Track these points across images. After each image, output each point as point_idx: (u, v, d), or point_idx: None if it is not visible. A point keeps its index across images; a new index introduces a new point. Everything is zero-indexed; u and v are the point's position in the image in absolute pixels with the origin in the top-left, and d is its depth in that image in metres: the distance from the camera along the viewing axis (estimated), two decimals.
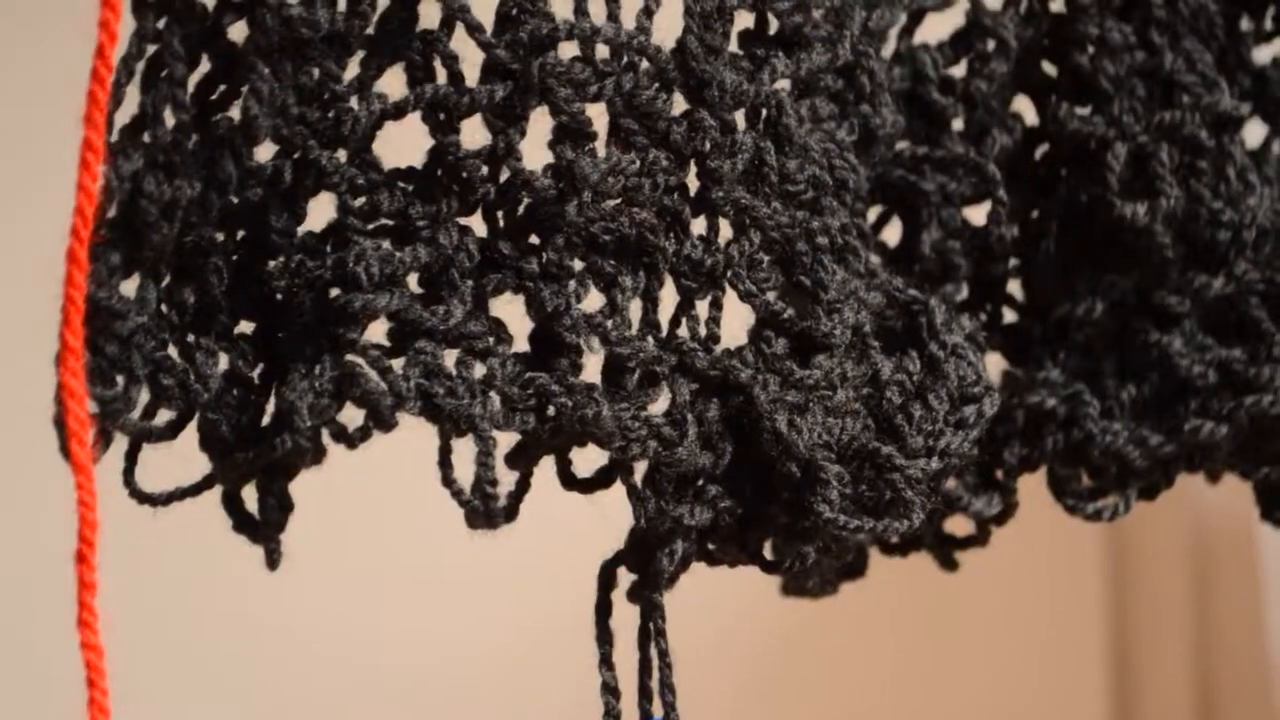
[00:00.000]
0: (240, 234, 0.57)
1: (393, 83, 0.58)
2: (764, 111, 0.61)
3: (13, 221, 1.02)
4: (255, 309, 0.57)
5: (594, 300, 0.59)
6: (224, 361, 0.57)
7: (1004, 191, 0.66)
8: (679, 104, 0.60)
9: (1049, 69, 0.68)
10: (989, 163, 0.66)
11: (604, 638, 0.60)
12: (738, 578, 0.64)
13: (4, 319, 0.95)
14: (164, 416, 0.56)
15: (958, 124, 0.67)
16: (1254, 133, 0.69)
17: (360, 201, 0.57)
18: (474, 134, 0.58)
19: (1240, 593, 1.21)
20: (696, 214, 0.60)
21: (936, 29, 0.67)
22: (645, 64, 0.59)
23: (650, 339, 0.60)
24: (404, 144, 0.59)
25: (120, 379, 0.54)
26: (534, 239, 0.59)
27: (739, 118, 0.61)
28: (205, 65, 0.56)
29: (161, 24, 0.54)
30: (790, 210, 0.61)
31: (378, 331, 0.57)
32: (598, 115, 0.59)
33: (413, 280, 0.58)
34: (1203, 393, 0.67)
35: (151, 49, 0.55)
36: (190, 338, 0.56)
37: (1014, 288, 0.69)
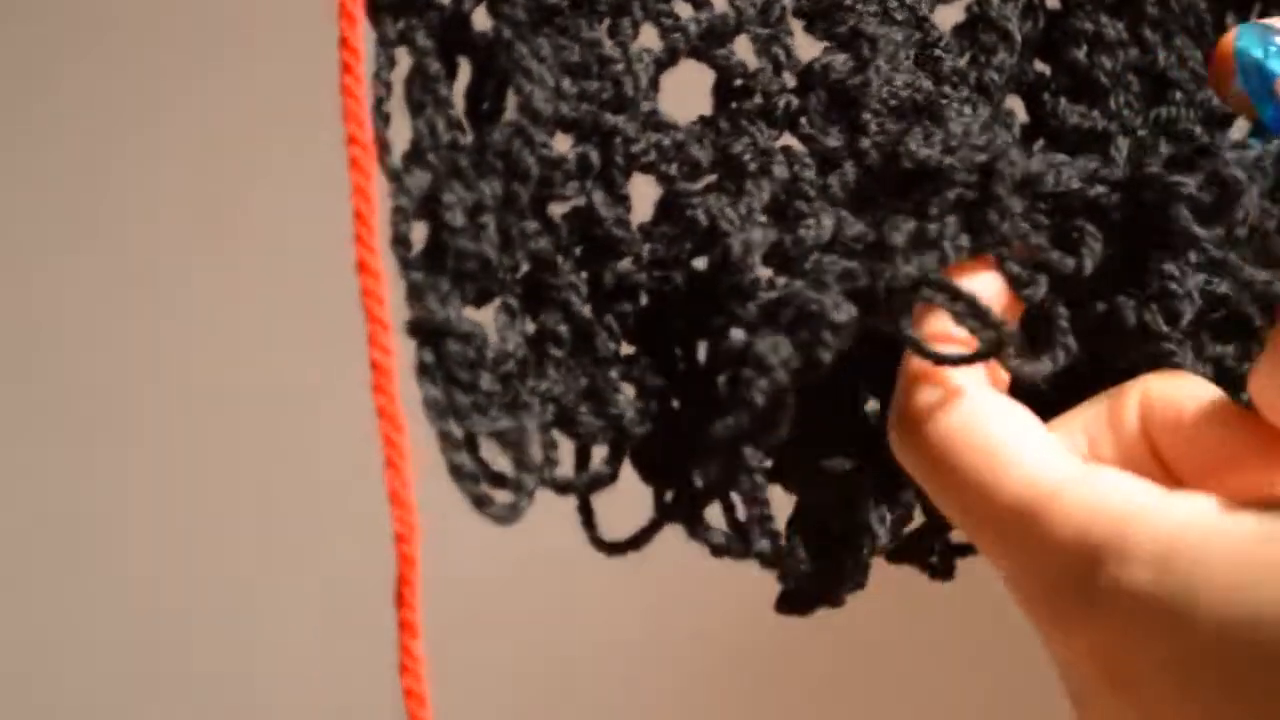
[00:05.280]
0: (577, 247, 0.54)
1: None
2: None
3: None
4: (624, 317, 0.55)
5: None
6: (623, 383, 0.54)
7: None
8: None
9: (1041, 66, 0.68)
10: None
11: None
12: (738, 582, 0.63)
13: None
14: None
15: None
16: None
17: (677, 165, 0.55)
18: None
19: None
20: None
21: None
22: None
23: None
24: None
25: (507, 414, 0.51)
26: (844, 129, 0.57)
27: None
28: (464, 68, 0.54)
29: (401, 25, 0.52)
30: None
31: None
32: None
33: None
34: None
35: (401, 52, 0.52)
36: (578, 368, 0.54)
37: None
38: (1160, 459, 0.53)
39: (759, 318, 0.51)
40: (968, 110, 0.59)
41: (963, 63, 0.66)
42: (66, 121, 1.34)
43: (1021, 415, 0.52)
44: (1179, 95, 0.67)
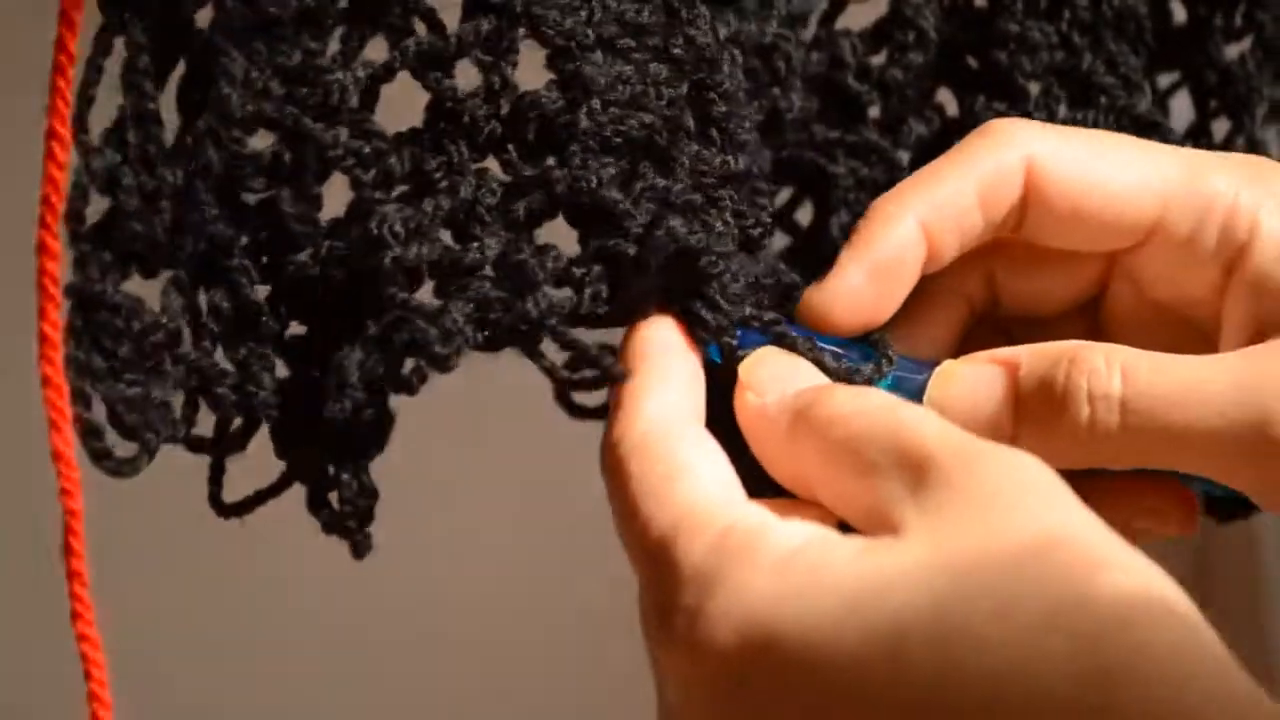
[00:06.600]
0: (264, 234, 0.58)
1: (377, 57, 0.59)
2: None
3: None
4: (302, 307, 0.58)
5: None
6: (280, 363, 0.58)
7: None
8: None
9: (972, 63, 0.68)
10: (898, 150, 0.67)
11: None
12: None
13: None
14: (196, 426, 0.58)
15: (874, 112, 0.68)
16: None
17: (372, 173, 0.58)
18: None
19: (1240, 592, 1.19)
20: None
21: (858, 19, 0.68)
22: None
23: None
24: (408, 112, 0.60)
25: (138, 380, 0.55)
26: (551, 160, 0.59)
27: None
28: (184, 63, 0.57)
29: (122, 16, 0.56)
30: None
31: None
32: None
33: (447, 237, 0.58)
34: None
35: (118, 43, 0.56)
36: (235, 343, 0.58)
37: None
38: None
39: (379, 334, 0.56)
40: (715, 159, 0.60)
41: (875, 61, 0.68)
42: None
43: (709, 448, 0.54)
44: (1103, 100, 0.67)
